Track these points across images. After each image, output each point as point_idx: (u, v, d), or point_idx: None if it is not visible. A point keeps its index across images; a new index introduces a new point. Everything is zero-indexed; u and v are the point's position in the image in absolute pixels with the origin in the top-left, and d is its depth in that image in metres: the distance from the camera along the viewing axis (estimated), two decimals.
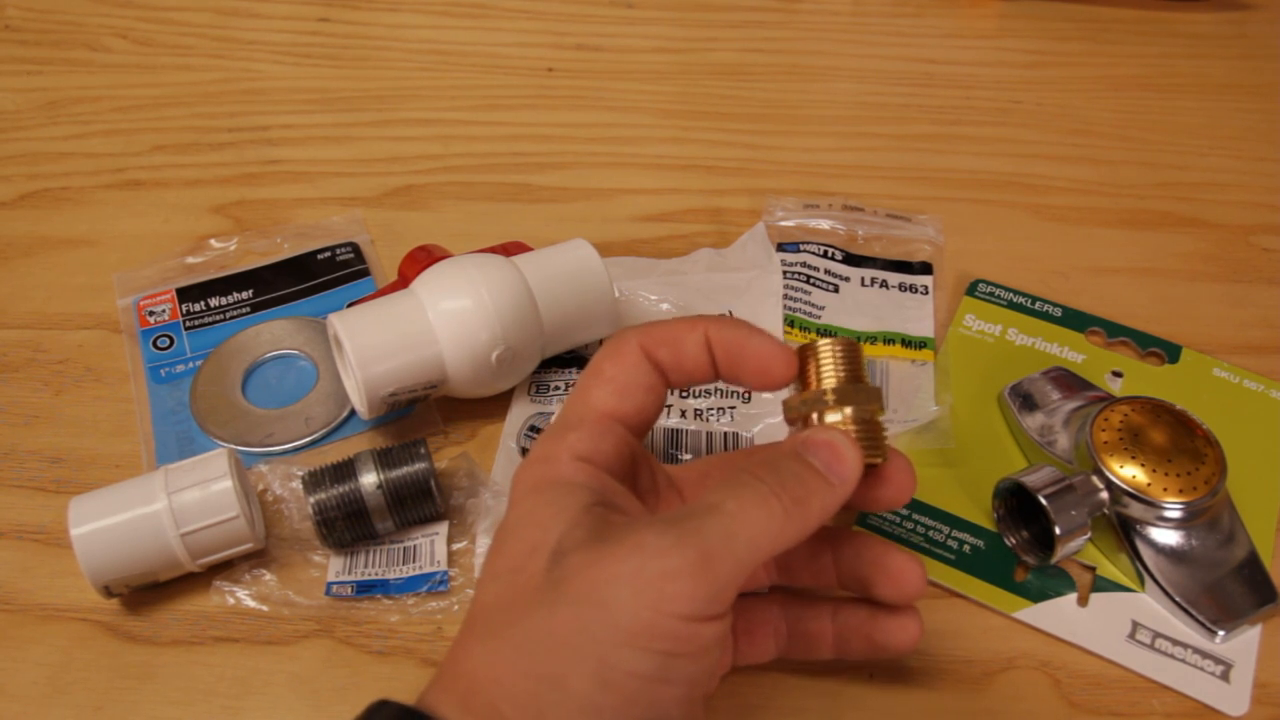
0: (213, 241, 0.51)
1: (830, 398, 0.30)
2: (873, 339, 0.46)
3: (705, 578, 0.26)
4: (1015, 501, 0.39)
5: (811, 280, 0.48)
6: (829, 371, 0.30)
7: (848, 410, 0.30)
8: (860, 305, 0.47)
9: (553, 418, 0.40)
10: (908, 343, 0.46)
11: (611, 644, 0.25)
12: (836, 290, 0.48)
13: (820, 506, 0.28)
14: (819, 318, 0.47)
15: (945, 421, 0.42)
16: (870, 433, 0.30)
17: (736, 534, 0.26)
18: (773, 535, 0.27)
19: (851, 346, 0.31)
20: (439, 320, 0.39)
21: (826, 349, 0.31)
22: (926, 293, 0.48)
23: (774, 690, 0.36)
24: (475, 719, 0.26)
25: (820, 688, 0.36)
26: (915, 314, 0.47)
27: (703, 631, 0.26)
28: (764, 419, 0.42)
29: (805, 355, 0.31)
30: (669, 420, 0.42)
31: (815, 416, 0.30)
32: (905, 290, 0.48)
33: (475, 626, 0.28)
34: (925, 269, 0.49)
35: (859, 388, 0.30)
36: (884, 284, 0.48)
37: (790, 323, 0.46)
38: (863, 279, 0.49)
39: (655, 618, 0.25)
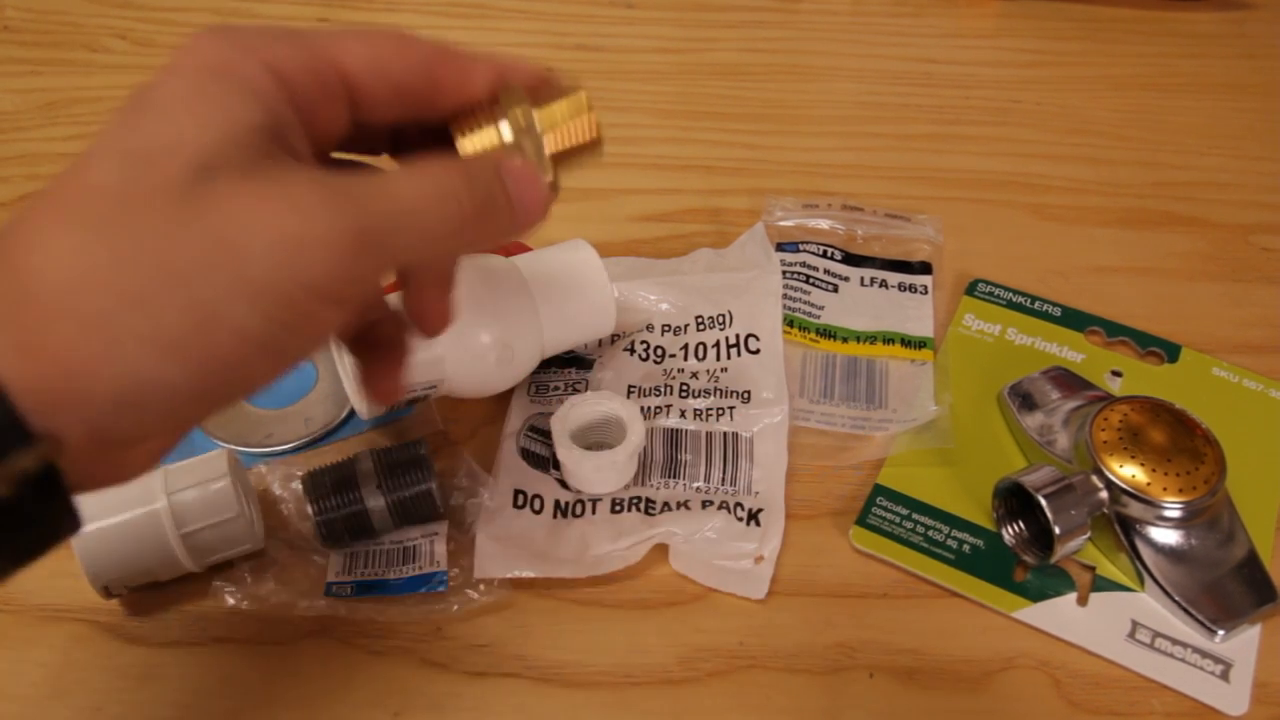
0: None
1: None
2: (872, 339, 0.46)
3: (352, 258, 0.23)
4: (1015, 501, 0.39)
5: (811, 280, 0.48)
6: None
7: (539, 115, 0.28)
8: (860, 305, 0.47)
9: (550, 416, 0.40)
10: (907, 342, 0.46)
11: (227, 291, 0.22)
12: (836, 290, 0.48)
13: (497, 230, 0.27)
14: (818, 317, 0.47)
15: (945, 421, 0.42)
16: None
17: (404, 220, 0.24)
18: (445, 236, 0.25)
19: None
20: None
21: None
22: (926, 292, 0.48)
23: (774, 690, 0.36)
24: (18, 334, 0.21)
25: (820, 687, 0.36)
26: (915, 314, 0.47)
27: (326, 314, 0.24)
28: (764, 419, 0.42)
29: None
30: (669, 420, 0.42)
31: (505, 126, 0.28)
32: (904, 290, 0.48)
33: (67, 208, 0.22)
34: (925, 269, 0.49)
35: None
36: (883, 284, 0.48)
37: (790, 322, 0.46)
38: (862, 279, 0.49)
39: (283, 282, 0.22)
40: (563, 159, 0.29)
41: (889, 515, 0.40)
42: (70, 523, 0.23)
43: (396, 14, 0.66)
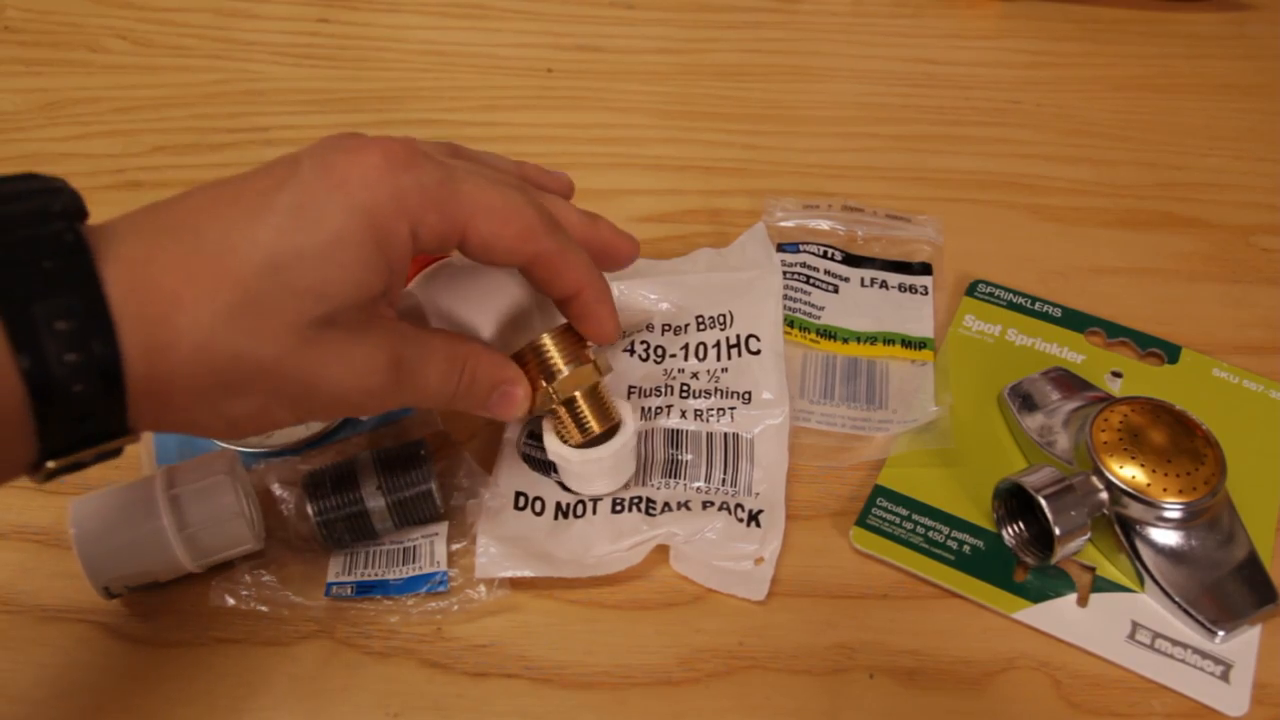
0: None
1: (554, 396, 0.37)
2: (872, 339, 0.46)
3: (375, 405, 0.32)
4: (1015, 502, 0.39)
5: (811, 281, 0.48)
6: (552, 360, 0.37)
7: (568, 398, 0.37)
8: (860, 306, 0.47)
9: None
10: (907, 343, 0.46)
11: (285, 404, 0.30)
12: (836, 291, 0.48)
13: (469, 410, 0.36)
14: (819, 318, 0.47)
15: (945, 422, 0.42)
16: (588, 409, 0.38)
17: (409, 402, 0.33)
18: (439, 403, 0.34)
19: (566, 333, 0.37)
20: (438, 322, 0.39)
21: (545, 341, 0.37)
22: (926, 293, 0.48)
23: (774, 691, 0.36)
24: (148, 366, 0.26)
25: (820, 688, 0.36)
26: (915, 314, 0.47)
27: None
28: (764, 420, 0.42)
29: (526, 354, 0.37)
30: (669, 420, 0.42)
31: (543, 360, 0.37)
32: (905, 291, 0.48)
33: (212, 292, 0.27)
34: (925, 269, 0.49)
35: (575, 372, 0.37)
36: (883, 284, 0.48)
37: (790, 323, 0.46)
38: (862, 279, 0.49)
39: (323, 413, 0.33)
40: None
41: (889, 516, 0.40)
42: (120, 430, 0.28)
43: (397, 14, 0.66)
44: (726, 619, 0.38)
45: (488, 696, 0.36)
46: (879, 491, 0.41)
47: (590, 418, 0.38)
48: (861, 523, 0.40)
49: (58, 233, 0.25)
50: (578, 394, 0.37)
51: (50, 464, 0.26)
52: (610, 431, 0.38)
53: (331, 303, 0.29)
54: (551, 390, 0.37)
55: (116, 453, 0.28)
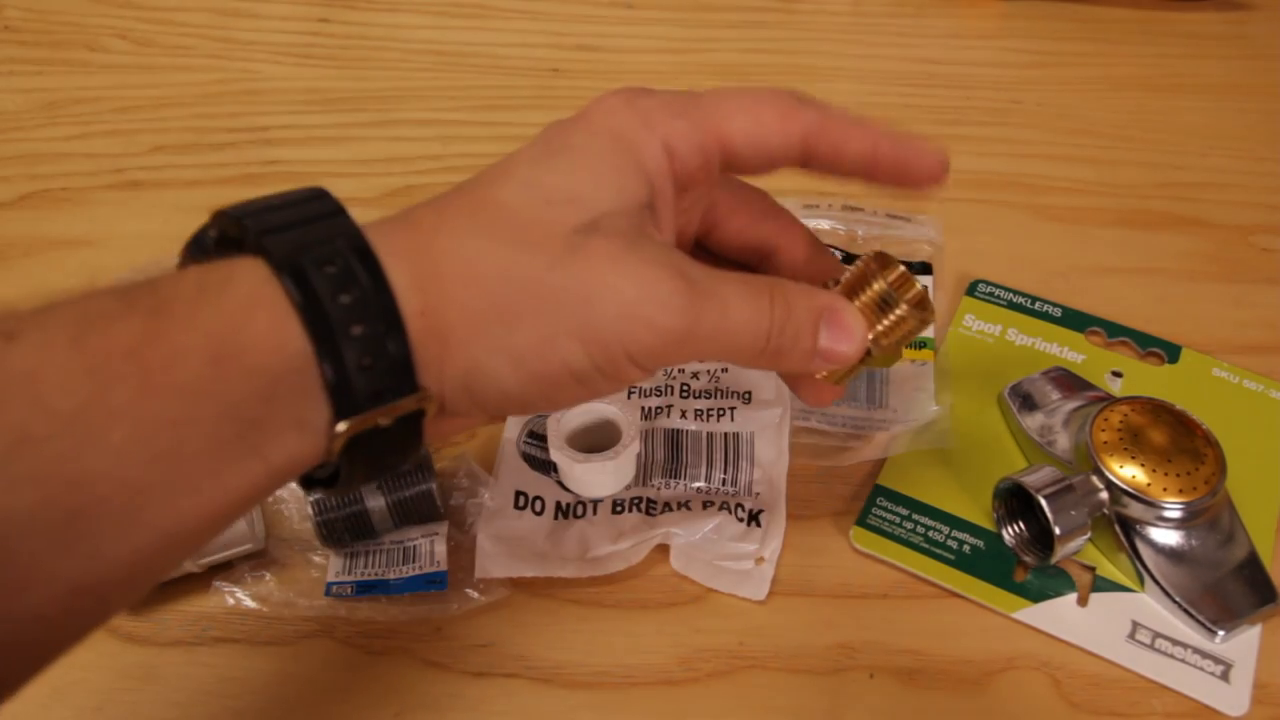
0: None
1: (892, 288, 0.30)
2: None
3: (672, 348, 0.27)
4: (1015, 502, 0.39)
5: None
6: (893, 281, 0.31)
7: (897, 302, 0.30)
8: None
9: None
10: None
11: (571, 332, 0.26)
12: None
13: (787, 366, 0.30)
14: None
15: (945, 421, 0.42)
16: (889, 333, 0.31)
17: (721, 337, 0.28)
18: (745, 359, 0.29)
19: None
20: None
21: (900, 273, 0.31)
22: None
23: (774, 690, 0.36)
24: (422, 298, 0.25)
25: (821, 688, 0.36)
26: None
27: (634, 374, 0.28)
28: (764, 420, 0.42)
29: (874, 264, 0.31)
30: (669, 420, 0.42)
31: (872, 288, 0.31)
32: None
33: (471, 215, 0.27)
34: (925, 269, 0.49)
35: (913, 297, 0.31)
36: None
37: None
38: None
39: (614, 344, 0.27)
40: (895, 341, 0.31)
41: (889, 516, 0.40)
42: (415, 449, 0.27)
43: (397, 14, 0.66)
44: (726, 619, 0.38)
45: (487, 696, 0.36)
46: (879, 491, 0.41)
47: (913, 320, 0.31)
48: (862, 522, 0.40)
49: (335, 210, 0.26)
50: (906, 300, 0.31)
51: (341, 426, 0.24)
52: None
53: (591, 208, 0.27)
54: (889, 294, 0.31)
55: (416, 420, 0.26)
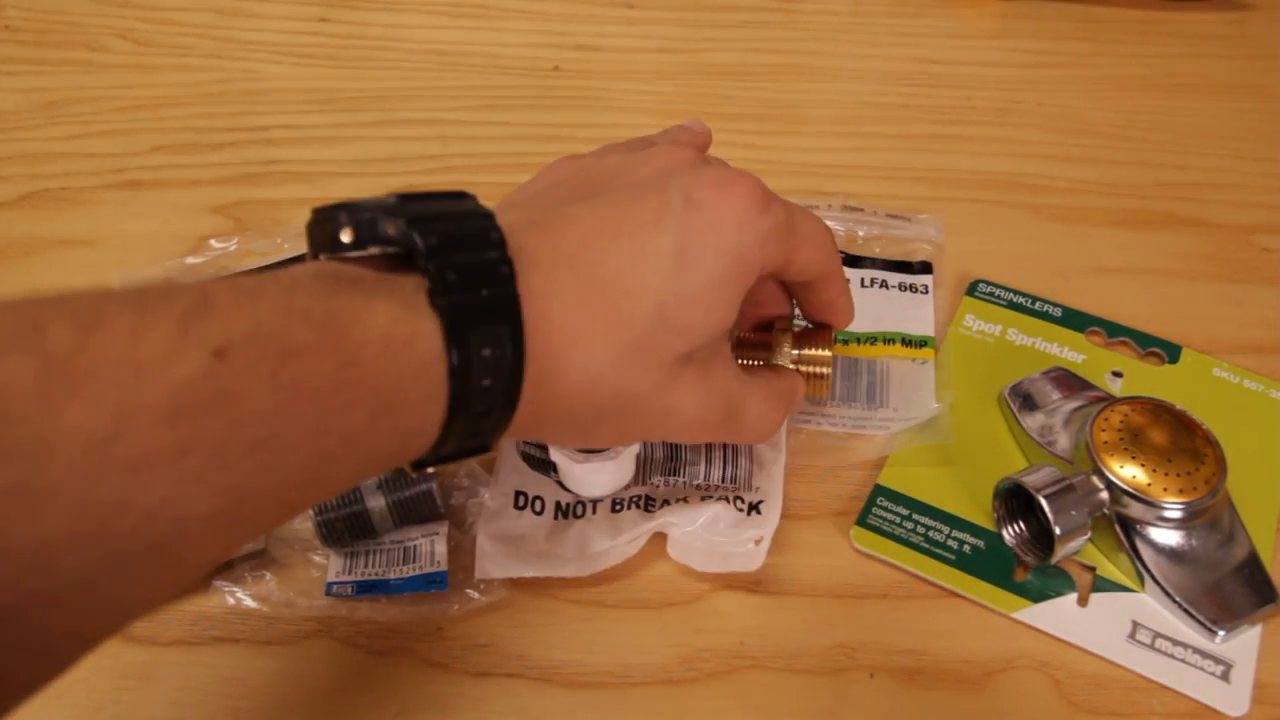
0: (213, 242, 0.51)
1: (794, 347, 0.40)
2: (872, 339, 0.46)
3: (707, 438, 0.35)
4: (1015, 502, 0.39)
5: None
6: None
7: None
8: (860, 306, 0.47)
9: None
10: (908, 342, 0.46)
11: (637, 431, 0.34)
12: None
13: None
14: None
15: (946, 418, 0.43)
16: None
17: (747, 432, 0.36)
18: (740, 439, 0.38)
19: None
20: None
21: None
22: (926, 292, 0.48)
23: (774, 690, 0.36)
24: (534, 393, 0.28)
25: (820, 688, 0.36)
26: (915, 314, 0.47)
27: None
28: None
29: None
30: None
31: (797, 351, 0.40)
32: (905, 290, 0.48)
33: (606, 330, 0.30)
34: (925, 269, 0.49)
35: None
36: (884, 284, 0.48)
37: None
38: (862, 280, 0.49)
39: (660, 436, 0.34)
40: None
41: (889, 515, 0.40)
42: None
43: (397, 13, 0.66)
44: (726, 619, 0.38)
45: (488, 696, 0.36)
46: (879, 491, 0.41)
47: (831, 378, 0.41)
48: (862, 522, 0.40)
49: (494, 262, 0.27)
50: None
51: (429, 465, 0.28)
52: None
53: (696, 340, 0.31)
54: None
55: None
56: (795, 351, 0.40)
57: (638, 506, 0.40)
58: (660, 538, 0.39)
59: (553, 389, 0.29)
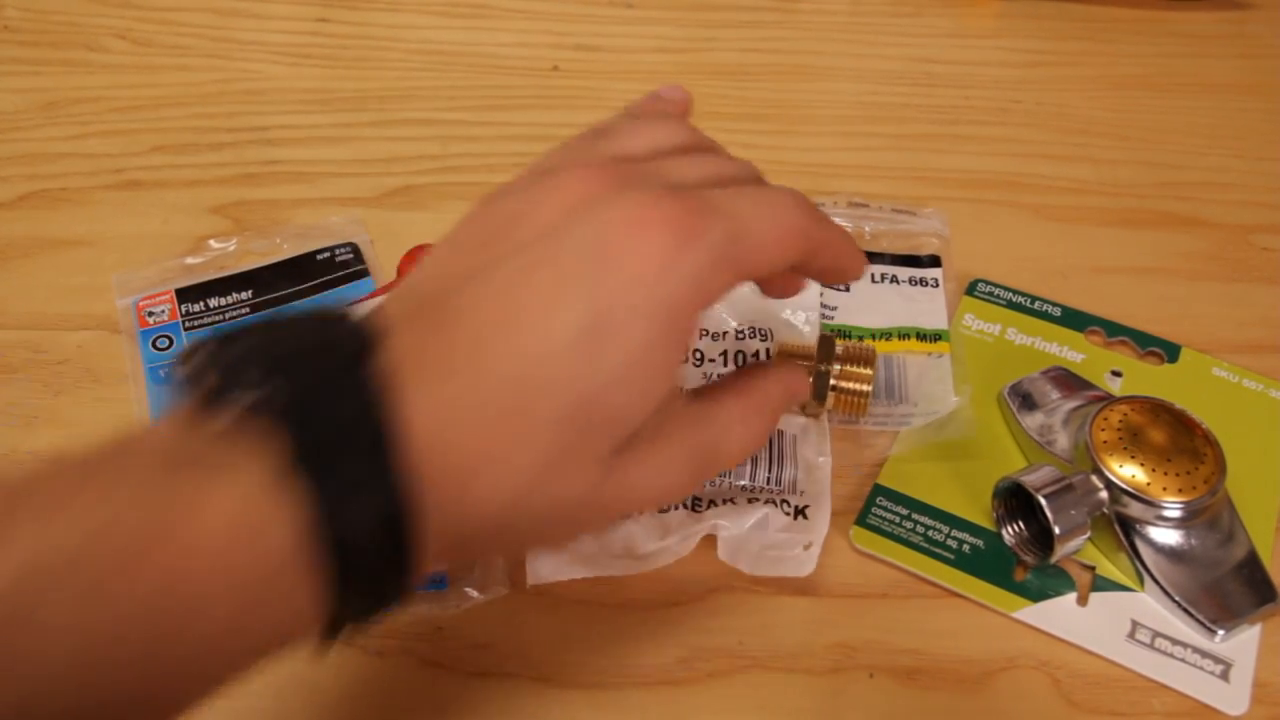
0: (212, 242, 0.51)
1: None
2: (887, 335, 0.46)
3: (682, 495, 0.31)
4: (1015, 501, 0.39)
5: None
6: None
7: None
8: (872, 302, 0.47)
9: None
10: (922, 336, 0.46)
11: (593, 528, 0.32)
12: (847, 289, 0.48)
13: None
14: (832, 318, 0.47)
15: (966, 411, 0.43)
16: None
17: (720, 466, 0.31)
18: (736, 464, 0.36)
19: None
20: None
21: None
22: (937, 285, 0.48)
23: (774, 690, 0.36)
24: (442, 530, 0.24)
25: (820, 688, 0.36)
26: (927, 307, 0.47)
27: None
28: (804, 419, 0.42)
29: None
30: None
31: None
32: (915, 284, 0.48)
33: (515, 440, 0.25)
34: (934, 262, 0.49)
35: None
36: (894, 279, 0.48)
37: None
38: (873, 275, 0.49)
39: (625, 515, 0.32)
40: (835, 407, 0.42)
41: (889, 515, 0.40)
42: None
43: (397, 14, 0.66)
44: (726, 619, 0.38)
45: (487, 696, 0.36)
46: (878, 491, 0.41)
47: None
48: (861, 522, 0.40)
49: (365, 407, 0.23)
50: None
51: (335, 637, 0.25)
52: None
53: (635, 424, 0.27)
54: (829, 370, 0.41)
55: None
56: (838, 367, 0.40)
57: (685, 506, 0.40)
58: (709, 539, 0.39)
59: (467, 515, 0.25)
